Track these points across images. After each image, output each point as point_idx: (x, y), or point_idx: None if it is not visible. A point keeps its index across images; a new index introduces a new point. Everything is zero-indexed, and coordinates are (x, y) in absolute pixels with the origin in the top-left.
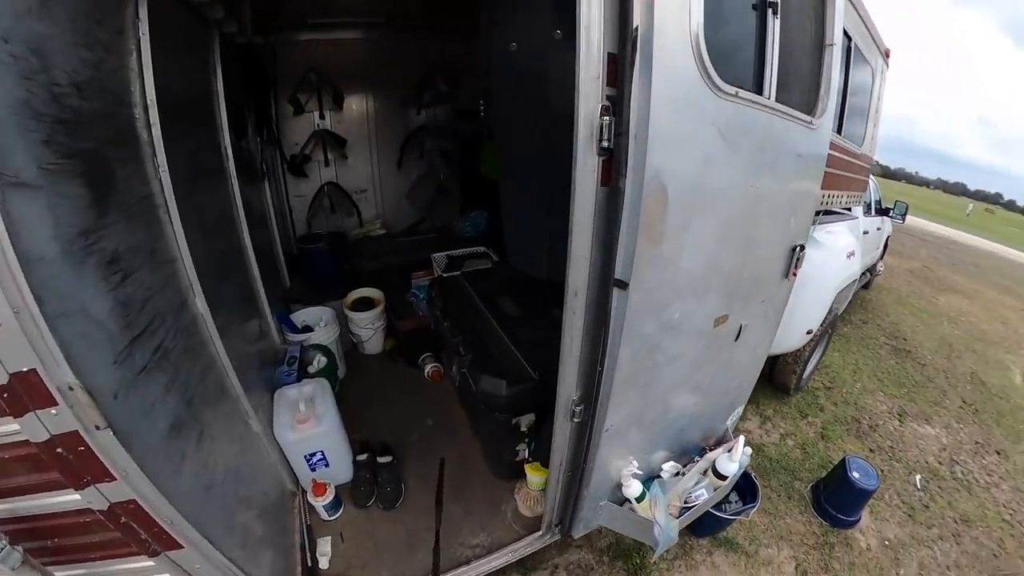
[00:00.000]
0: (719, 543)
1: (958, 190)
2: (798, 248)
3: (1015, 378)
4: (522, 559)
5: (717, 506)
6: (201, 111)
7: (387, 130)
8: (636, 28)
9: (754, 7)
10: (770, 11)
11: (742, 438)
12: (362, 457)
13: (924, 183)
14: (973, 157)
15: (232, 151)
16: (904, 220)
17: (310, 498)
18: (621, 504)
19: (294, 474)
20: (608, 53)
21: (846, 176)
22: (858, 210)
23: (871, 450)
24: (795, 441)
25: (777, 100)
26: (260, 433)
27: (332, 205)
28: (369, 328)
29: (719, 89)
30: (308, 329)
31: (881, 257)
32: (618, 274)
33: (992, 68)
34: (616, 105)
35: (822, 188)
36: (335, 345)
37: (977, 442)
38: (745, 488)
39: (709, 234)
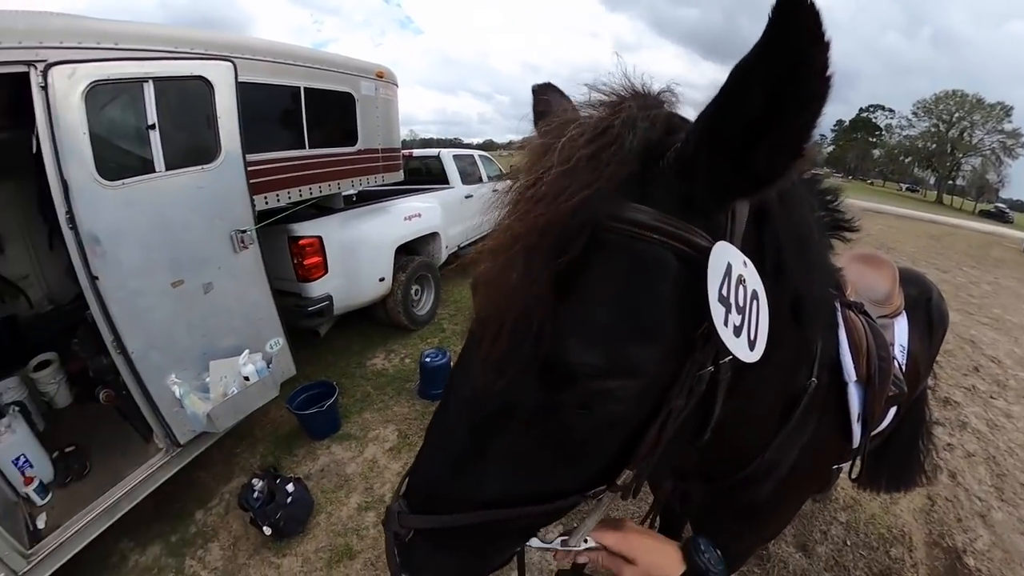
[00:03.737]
0: (337, 439)
1: None
2: (236, 232)
3: None
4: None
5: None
6: None
7: (37, 215)
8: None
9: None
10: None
11: (246, 355)
12: (56, 454)
13: None
14: None
15: None
16: None
17: (22, 489)
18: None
19: (14, 489)
20: None
21: (304, 175)
22: (456, 182)
23: None
24: (412, 359)
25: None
26: None
27: (0, 296)
28: (52, 383)
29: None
30: None
31: None
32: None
33: None
34: None
35: (260, 192)
36: (29, 401)
37: None
38: (327, 392)
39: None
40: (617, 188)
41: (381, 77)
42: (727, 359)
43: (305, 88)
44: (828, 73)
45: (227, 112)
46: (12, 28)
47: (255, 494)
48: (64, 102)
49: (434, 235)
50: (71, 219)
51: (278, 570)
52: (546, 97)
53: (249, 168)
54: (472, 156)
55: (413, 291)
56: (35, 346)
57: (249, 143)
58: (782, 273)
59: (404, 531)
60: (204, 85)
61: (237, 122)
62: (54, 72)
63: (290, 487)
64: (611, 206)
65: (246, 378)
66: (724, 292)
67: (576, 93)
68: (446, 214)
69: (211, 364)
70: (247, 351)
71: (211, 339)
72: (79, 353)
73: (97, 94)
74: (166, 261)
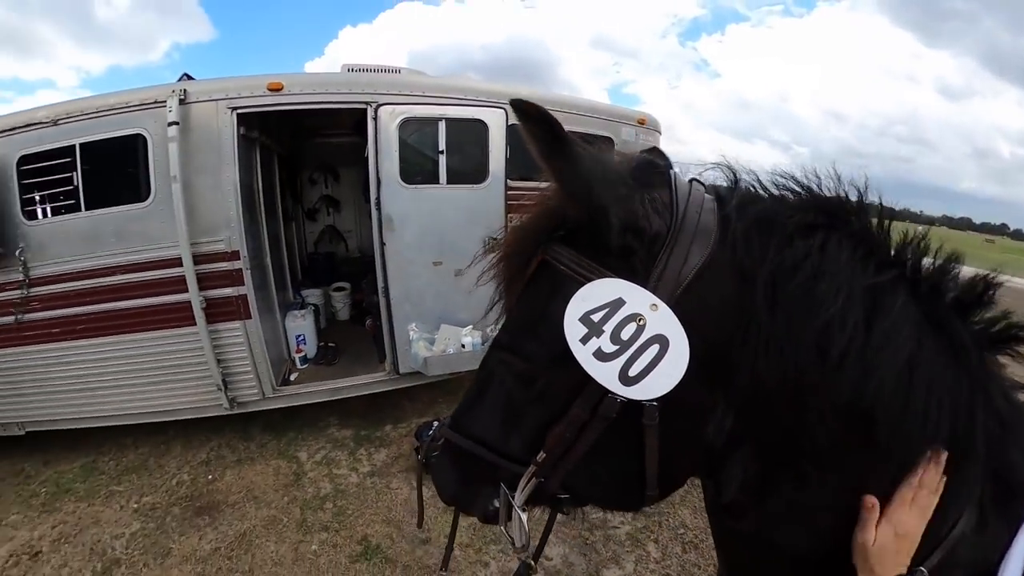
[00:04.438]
0: None
1: (964, 224)
2: (488, 239)
3: None
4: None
5: None
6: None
7: (365, 194)
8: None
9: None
10: (441, 155)
11: (470, 329)
12: (322, 344)
13: (929, 221)
14: (973, 189)
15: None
16: None
17: (293, 354)
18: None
19: (289, 350)
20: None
21: None
22: None
23: None
24: None
25: (447, 183)
26: (279, 320)
27: (330, 239)
28: (341, 303)
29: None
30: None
31: None
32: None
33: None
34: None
35: (519, 213)
36: (323, 307)
37: None
38: None
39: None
40: (552, 235)
41: (642, 124)
42: (653, 402)
43: (568, 131)
44: (535, 143)
45: (496, 148)
46: (359, 81)
47: (430, 431)
48: (385, 129)
49: None
50: (378, 202)
51: (412, 491)
52: None
53: (510, 192)
54: None
55: None
56: (339, 275)
57: (515, 171)
58: (781, 354)
59: (438, 436)
60: (481, 125)
61: (504, 156)
62: (381, 110)
63: None
64: (544, 246)
65: (463, 345)
66: (596, 318)
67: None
68: None
69: (442, 326)
70: (471, 327)
71: (448, 309)
72: (364, 289)
73: (406, 125)
74: (433, 245)
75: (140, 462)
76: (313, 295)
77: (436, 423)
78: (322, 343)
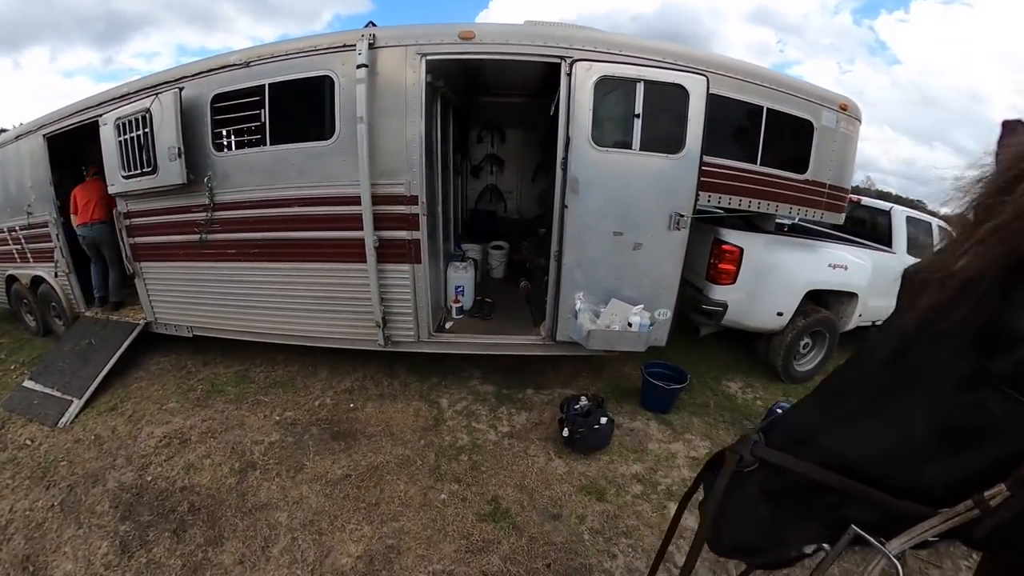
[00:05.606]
0: (659, 418)
1: None
2: (675, 214)
3: None
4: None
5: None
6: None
7: (529, 157)
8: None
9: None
10: (636, 119)
11: (639, 308)
12: (479, 298)
13: None
14: None
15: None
16: None
17: (450, 303)
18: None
19: (446, 299)
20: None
21: (747, 187)
22: (900, 249)
23: None
24: (764, 404)
25: (640, 149)
26: (441, 269)
27: (491, 197)
28: (497, 261)
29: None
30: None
31: None
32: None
33: None
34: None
35: (705, 191)
36: (479, 263)
37: None
38: (678, 378)
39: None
40: None
41: (844, 110)
42: None
43: (768, 108)
44: None
45: (696, 117)
46: (554, 34)
47: (576, 405)
48: (580, 87)
49: (852, 296)
50: (564, 163)
51: (548, 462)
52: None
53: (703, 167)
54: (930, 225)
55: (803, 343)
56: (497, 234)
57: (707, 146)
58: None
59: (751, 460)
60: (681, 92)
61: (702, 127)
62: (577, 66)
63: (603, 420)
64: None
65: (630, 324)
66: None
67: None
68: (874, 280)
69: (612, 300)
70: (641, 306)
71: (620, 283)
72: (524, 251)
73: (603, 84)
74: (616, 215)
75: (288, 379)
76: (473, 250)
77: (584, 399)
78: (479, 297)
